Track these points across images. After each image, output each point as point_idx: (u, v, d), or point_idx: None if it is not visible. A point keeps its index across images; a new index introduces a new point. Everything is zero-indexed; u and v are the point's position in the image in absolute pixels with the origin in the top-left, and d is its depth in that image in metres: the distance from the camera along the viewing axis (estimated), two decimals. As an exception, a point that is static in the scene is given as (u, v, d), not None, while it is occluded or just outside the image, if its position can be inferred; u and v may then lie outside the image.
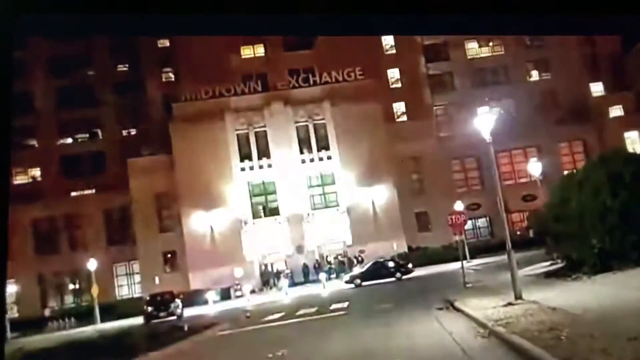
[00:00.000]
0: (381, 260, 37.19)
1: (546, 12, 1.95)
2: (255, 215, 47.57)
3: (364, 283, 33.67)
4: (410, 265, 35.94)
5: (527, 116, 53.02)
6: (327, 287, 35.15)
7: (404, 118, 55.80)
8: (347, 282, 34.97)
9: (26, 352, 21.17)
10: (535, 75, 58.04)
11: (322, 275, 38.06)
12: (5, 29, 1.62)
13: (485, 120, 16.10)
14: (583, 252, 16.87)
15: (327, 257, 47.17)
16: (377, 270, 34.94)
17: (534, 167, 35.04)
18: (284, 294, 35.06)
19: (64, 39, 47.51)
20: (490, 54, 57.40)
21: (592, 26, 2.22)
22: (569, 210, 17.96)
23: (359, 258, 43.93)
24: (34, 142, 54.89)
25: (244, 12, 1.77)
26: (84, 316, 38.22)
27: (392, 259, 37.50)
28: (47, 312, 45.76)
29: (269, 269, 46.98)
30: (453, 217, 23.51)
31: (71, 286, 49.96)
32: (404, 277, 33.93)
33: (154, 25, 1.82)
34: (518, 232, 43.03)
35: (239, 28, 1.92)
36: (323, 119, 48.73)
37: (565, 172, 43.08)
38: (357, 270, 37.33)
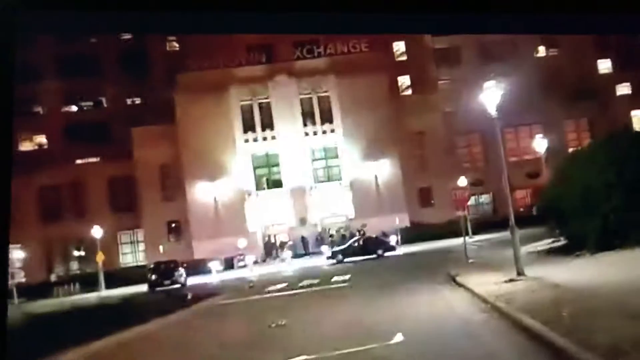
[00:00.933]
0: (364, 237, 37.39)
1: (552, 11, 1.94)
2: (259, 187, 47.74)
3: (346, 259, 33.63)
4: (393, 243, 35.92)
5: (534, 92, 52.63)
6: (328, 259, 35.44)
7: (409, 92, 55.46)
8: (328, 257, 34.92)
9: (32, 316, 21.53)
10: (542, 50, 57.41)
11: (324, 248, 38.35)
12: (8, 27, 1.62)
13: (491, 96, 16.00)
14: (586, 229, 16.91)
15: (329, 230, 47.44)
16: (360, 247, 34.98)
17: (539, 144, 34.96)
18: (286, 265, 35.39)
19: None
20: (497, 28, 56.68)
21: (599, 25, 2.21)
22: (574, 188, 17.95)
23: (362, 232, 44.19)
24: (39, 109, 54.86)
25: (244, 9, 1.75)
26: (88, 282, 38.66)
27: (375, 236, 37.51)
28: (52, 278, 46.36)
29: (272, 240, 47.34)
30: (457, 192, 23.59)
31: (76, 253, 50.47)
32: (387, 254, 33.83)
33: (157, 23, 1.80)
34: (521, 209, 43.00)
35: (238, 26, 1.92)
36: (327, 91, 48.49)
37: (571, 150, 43.30)
38: (339, 246, 37.42)
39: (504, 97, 16.27)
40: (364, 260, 33.26)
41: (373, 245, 35.10)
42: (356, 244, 35.47)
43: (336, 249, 36.63)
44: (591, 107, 51.16)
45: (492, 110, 15.82)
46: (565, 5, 1.93)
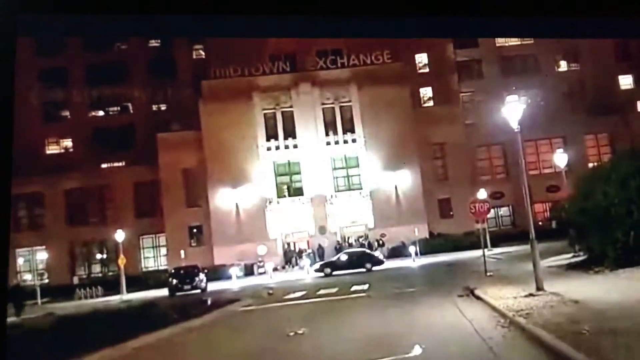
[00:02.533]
0: (351, 250, 37.25)
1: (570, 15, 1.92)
2: (280, 195, 48.08)
3: (334, 272, 33.44)
4: (381, 257, 35.78)
5: (554, 106, 52.30)
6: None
7: (431, 103, 55.51)
8: (316, 270, 34.72)
9: (56, 318, 21.99)
10: (564, 65, 57.13)
11: (343, 257, 38.37)
12: (8, 30, 1.61)
13: (513, 109, 16.10)
14: (606, 245, 16.85)
15: (348, 239, 47.55)
16: (349, 260, 34.78)
17: (560, 158, 34.71)
18: (305, 273, 35.56)
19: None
20: (519, 43, 56.53)
21: (617, 29, 2.14)
22: (594, 203, 17.89)
23: (380, 241, 44.25)
24: (67, 114, 56.03)
25: (248, 13, 1.74)
26: (110, 285, 39.22)
27: (362, 250, 37.46)
28: (75, 280, 47.07)
29: (292, 247, 47.59)
30: (476, 205, 23.55)
31: (99, 256, 51.19)
32: (374, 268, 33.53)
33: (157, 25, 1.80)
34: (540, 223, 42.71)
35: (242, 30, 1.89)
36: (349, 101, 48.79)
37: (590, 165, 42.89)
38: (325, 260, 37.38)
39: (526, 111, 16.36)
40: (382, 269, 33.25)
41: (361, 259, 34.91)
42: (345, 258, 35.33)
43: (324, 262, 36.50)
44: (612, 122, 50.67)
45: (514, 124, 15.91)
46: (582, 9, 1.90)
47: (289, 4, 1.76)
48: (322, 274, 33.76)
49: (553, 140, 49.89)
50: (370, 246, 44.86)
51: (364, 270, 33.31)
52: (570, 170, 34.11)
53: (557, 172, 37.77)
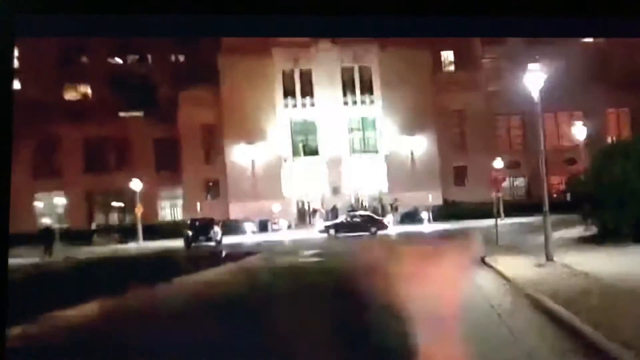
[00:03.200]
0: (357, 213, 37.44)
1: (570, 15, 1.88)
2: (295, 154, 48.22)
3: (338, 235, 33.80)
4: (386, 221, 35.97)
5: (577, 78, 51.37)
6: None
7: (452, 68, 54.75)
8: (320, 231, 35.09)
9: (75, 261, 22.71)
10: (590, 35, 55.79)
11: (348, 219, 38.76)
12: (6, 31, 1.60)
13: (535, 78, 15.97)
14: (620, 220, 16.95)
15: (362, 201, 47.83)
16: (352, 223, 35.09)
17: (579, 131, 34.56)
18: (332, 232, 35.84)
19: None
20: (546, 9, 55.13)
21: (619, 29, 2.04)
22: (611, 178, 17.92)
23: (394, 205, 44.49)
24: (85, 59, 55.91)
25: (249, 12, 1.71)
26: (128, 233, 40.01)
27: (367, 214, 37.71)
28: (93, 226, 48.10)
29: (306, 207, 48.03)
30: (492, 174, 23.63)
31: (117, 204, 52.06)
32: (379, 232, 33.90)
33: (157, 25, 1.77)
34: (555, 195, 42.65)
35: (244, 29, 1.87)
36: (369, 63, 48.31)
37: (610, 139, 42.46)
38: (330, 221, 37.64)
39: (547, 81, 16.23)
40: (396, 233, 33.62)
41: (366, 222, 35.20)
42: (349, 220, 35.54)
43: (329, 223, 36.83)
44: (635, 98, 49.81)
45: (535, 94, 15.83)
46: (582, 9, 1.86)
47: (288, 4, 1.72)
48: (326, 235, 34.14)
49: (573, 112, 49.27)
50: (383, 210, 45.16)
51: (367, 233, 33.66)
52: (589, 143, 33.93)
53: (576, 144, 37.63)
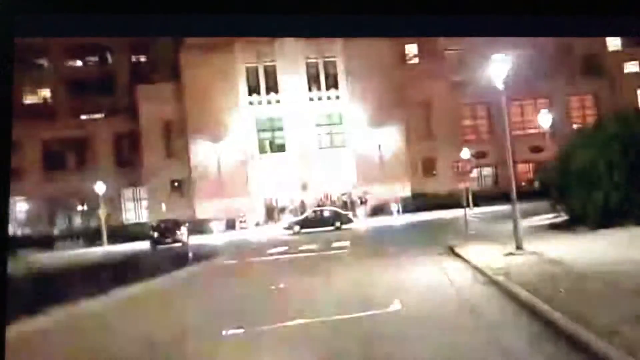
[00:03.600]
0: (321, 208, 37.44)
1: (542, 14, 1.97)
2: (262, 151, 47.79)
3: (303, 230, 33.71)
4: (350, 215, 36.00)
5: (540, 66, 52.10)
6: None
7: (416, 60, 54.91)
8: (285, 228, 34.96)
9: (37, 269, 21.91)
10: (552, 24, 56.62)
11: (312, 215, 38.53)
12: (6, 30, 1.63)
13: (498, 68, 15.89)
14: (587, 206, 17.06)
15: (330, 196, 47.65)
16: (317, 218, 35.13)
17: (544, 119, 34.88)
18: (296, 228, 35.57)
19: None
20: (509, -1, 55.73)
21: (596, 28, 2.25)
22: (577, 164, 18.04)
23: (363, 199, 44.45)
24: (44, 62, 54.52)
25: (241, 12, 1.76)
26: (92, 237, 39.11)
27: (331, 209, 37.78)
28: (56, 232, 46.89)
29: (274, 203, 47.64)
30: (459, 164, 23.52)
31: (79, 207, 50.94)
32: (344, 226, 33.91)
33: (154, 25, 1.80)
34: (523, 183, 43.16)
35: (236, 29, 1.92)
36: (334, 56, 48.06)
37: (575, 126, 43.09)
38: (295, 217, 37.67)
39: (511, 70, 16.16)
40: (366, 227, 33.51)
41: (331, 217, 35.21)
42: (314, 215, 35.50)
43: (294, 219, 36.69)
44: (598, 84, 50.78)
45: (499, 84, 15.74)
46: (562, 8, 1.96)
47: (286, 4, 1.77)
48: (290, 232, 33.91)
49: (538, 100, 49.93)
50: (352, 204, 45.08)
51: (332, 228, 33.55)
52: (554, 131, 34.32)
53: (541, 132, 38.02)
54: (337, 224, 34.22)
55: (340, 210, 37.13)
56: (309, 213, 36.52)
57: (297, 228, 34.18)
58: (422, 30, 2.13)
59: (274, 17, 1.80)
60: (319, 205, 44.42)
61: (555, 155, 22.74)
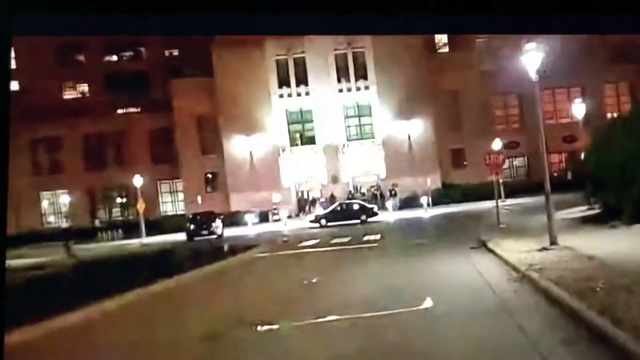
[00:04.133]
0: (347, 202, 37.46)
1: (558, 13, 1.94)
2: (293, 143, 48.03)
3: (329, 224, 33.85)
4: (375, 209, 35.93)
5: (573, 54, 50.89)
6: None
7: (446, 49, 54.28)
8: (311, 221, 35.11)
9: (79, 260, 22.48)
10: (585, 10, 55.15)
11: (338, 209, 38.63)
12: (3, 29, 1.62)
13: (532, 58, 15.60)
14: (623, 200, 16.67)
15: (360, 188, 47.66)
16: (343, 211, 35.20)
17: (578, 108, 34.12)
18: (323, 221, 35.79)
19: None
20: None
21: (608, 26, 2.20)
22: (612, 156, 17.60)
23: (393, 192, 44.32)
24: (81, 58, 55.85)
25: (248, 11, 1.75)
26: (130, 229, 39.90)
27: (357, 202, 37.78)
28: (97, 223, 48.12)
29: (305, 196, 47.91)
30: (491, 156, 23.28)
31: (118, 200, 52.13)
32: (370, 219, 34.02)
33: (154, 25, 1.79)
34: (555, 174, 42.50)
35: (242, 27, 1.91)
36: (363, 47, 47.78)
37: (609, 115, 42.05)
38: (322, 210, 37.72)
39: (544, 59, 15.87)
40: (395, 220, 33.39)
41: (356, 211, 35.28)
42: (339, 209, 35.52)
43: (320, 213, 36.82)
44: (633, 71, 49.35)
45: (532, 73, 15.47)
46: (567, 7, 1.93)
47: (290, 2, 1.76)
48: (317, 225, 34.08)
49: (571, 89, 48.89)
50: (382, 196, 44.96)
51: (358, 221, 33.73)
52: (588, 120, 33.57)
53: (574, 122, 37.23)
54: (363, 217, 34.38)
55: (365, 204, 37.21)
56: (334, 206, 36.63)
57: (323, 221, 34.35)
58: (451, 27, 2.17)
59: (299, 17, 1.80)
60: (348, 198, 44.47)
61: (589, 146, 22.26)
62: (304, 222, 37.12)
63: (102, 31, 1.87)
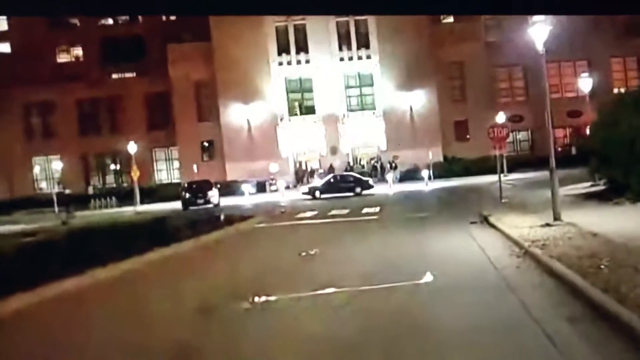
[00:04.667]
0: (341, 174, 37.29)
1: None
2: (291, 112, 47.55)
3: (323, 196, 33.58)
4: (371, 182, 35.71)
5: (581, 27, 50.11)
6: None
7: (450, 19, 53.35)
8: (304, 193, 34.87)
9: (71, 227, 22.29)
10: (594, -19, 54.13)
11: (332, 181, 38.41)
12: None
13: (539, 30, 15.15)
14: (629, 176, 16.45)
15: (360, 160, 47.37)
16: (337, 183, 34.88)
17: (584, 83, 33.65)
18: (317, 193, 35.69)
19: None
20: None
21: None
22: (619, 132, 17.32)
23: (393, 164, 44.02)
24: (75, 21, 54.78)
25: None
26: (124, 196, 39.75)
27: (351, 174, 37.47)
28: (90, 190, 47.85)
29: (303, 167, 47.63)
30: (495, 130, 22.88)
31: (112, 167, 51.82)
32: (364, 192, 33.76)
33: (141, 4, 1.64)
34: (560, 148, 42.19)
35: (242, 7, 1.75)
36: (365, 15, 46.92)
37: (616, 90, 41.57)
38: (316, 182, 37.29)
39: (551, 32, 15.43)
40: (396, 192, 33.22)
41: (351, 183, 35.01)
42: (334, 181, 35.33)
43: (313, 185, 36.56)
44: (642, 45, 48.60)
45: (539, 46, 15.04)
46: None
47: None
48: (310, 197, 33.83)
49: (577, 62, 48.25)
50: (382, 168, 44.72)
51: (352, 194, 33.40)
52: (593, 95, 33.14)
53: (580, 96, 36.80)
54: (358, 189, 34.09)
55: (360, 177, 36.92)
56: (328, 178, 36.35)
57: (317, 193, 34.08)
58: (459, 8, 1.95)
59: None
60: (346, 170, 44.21)
61: (595, 121, 21.90)
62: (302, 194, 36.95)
63: (85, 12, 1.64)
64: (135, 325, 7.88)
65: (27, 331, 8.19)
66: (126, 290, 10.71)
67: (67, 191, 44.00)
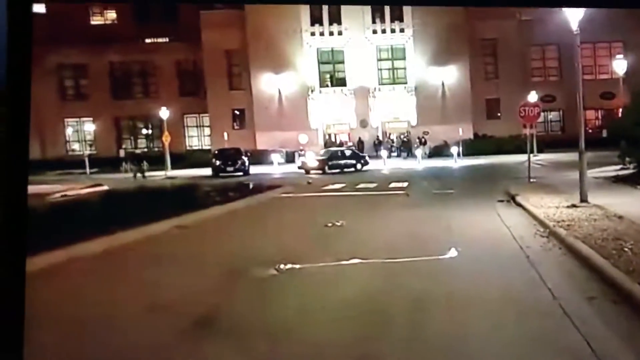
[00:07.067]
0: (339, 149, 37.02)
1: None
2: (322, 84, 47.44)
3: (328, 171, 33.34)
4: (367, 157, 35.58)
5: (617, 8, 48.49)
6: (387, 164, 35.61)
7: (487, -6, 52.21)
8: (300, 167, 34.71)
9: (104, 190, 23.00)
10: (637, -42, 52.27)
11: (383, 153, 38.38)
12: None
13: (575, 10, 14.91)
14: (660, 161, 16.30)
15: (389, 134, 47.23)
16: (339, 159, 34.78)
17: (619, 65, 32.97)
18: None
19: None
20: None
21: None
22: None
23: (422, 139, 43.83)
24: (109, -16, 54.93)
25: None
26: (155, 161, 40.42)
27: (351, 149, 37.23)
28: (121, 153, 48.70)
29: (332, 139, 47.71)
30: (526, 109, 22.66)
31: (144, 131, 52.52)
32: (364, 168, 33.83)
33: None
34: (590, 130, 41.45)
35: None
36: (400, -15, 46.27)
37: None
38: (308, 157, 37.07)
39: (587, 11, 15.18)
40: (425, 168, 33.18)
41: (352, 158, 34.99)
42: (336, 156, 35.22)
43: (318, 157, 36.50)
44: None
45: (574, 26, 14.83)
46: None
47: None
48: (320, 172, 33.58)
49: (613, 44, 46.97)
50: (410, 144, 44.57)
51: (353, 170, 33.49)
52: (628, 77, 32.46)
53: (614, 78, 36.00)
54: (358, 165, 34.34)
55: (357, 151, 36.97)
56: (332, 153, 36.02)
57: (326, 168, 33.92)
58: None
59: None
60: (374, 144, 44.14)
61: (628, 103, 21.56)
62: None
63: None
64: (159, 289, 7.89)
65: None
66: (152, 254, 10.65)
67: (88, 152, 43.91)
